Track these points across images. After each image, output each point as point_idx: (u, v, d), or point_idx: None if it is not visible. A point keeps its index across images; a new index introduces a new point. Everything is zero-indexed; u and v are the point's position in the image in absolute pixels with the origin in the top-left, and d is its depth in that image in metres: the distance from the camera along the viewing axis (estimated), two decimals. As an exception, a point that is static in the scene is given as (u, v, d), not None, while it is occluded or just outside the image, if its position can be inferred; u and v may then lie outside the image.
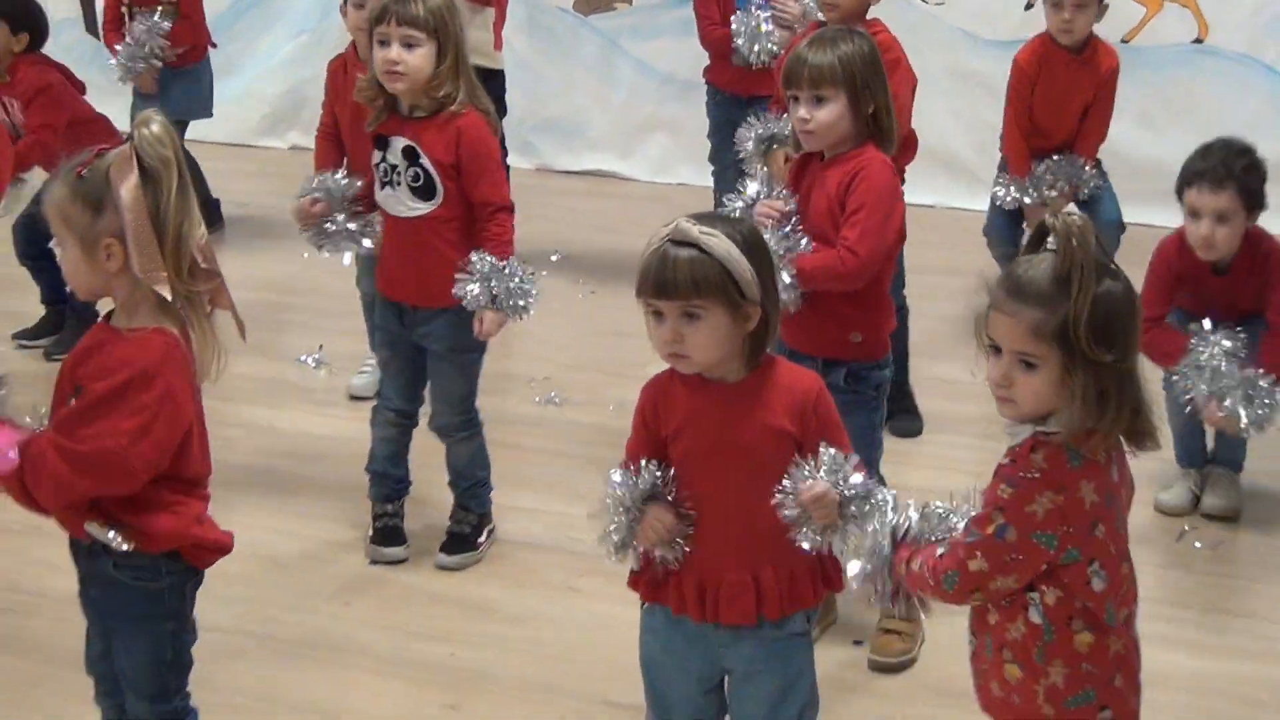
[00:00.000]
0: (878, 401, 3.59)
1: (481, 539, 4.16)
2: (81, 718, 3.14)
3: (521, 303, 3.90)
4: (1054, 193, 5.25)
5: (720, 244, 2.65)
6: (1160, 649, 3.49)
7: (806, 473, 2.64)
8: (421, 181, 3.89)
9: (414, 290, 3.96)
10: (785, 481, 2.66)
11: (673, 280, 2.64)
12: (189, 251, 2.71)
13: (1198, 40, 6.71)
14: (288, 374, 5.26)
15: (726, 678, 2.86)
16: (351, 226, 4.08)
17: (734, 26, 5.54)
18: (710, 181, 5.87)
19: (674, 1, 6.31)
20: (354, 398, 4.61)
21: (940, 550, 2.50)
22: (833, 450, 2.65)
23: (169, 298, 2.73)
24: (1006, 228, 5.38)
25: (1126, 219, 5.28)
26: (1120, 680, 2.51)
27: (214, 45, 6.73)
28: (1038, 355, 2.36)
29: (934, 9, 6.92)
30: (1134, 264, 6.16)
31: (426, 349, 4.06)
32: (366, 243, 4.05)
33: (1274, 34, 6.52)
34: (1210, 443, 4.43)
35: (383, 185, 3.94)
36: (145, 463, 2.68)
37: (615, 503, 2.77)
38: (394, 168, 3.91)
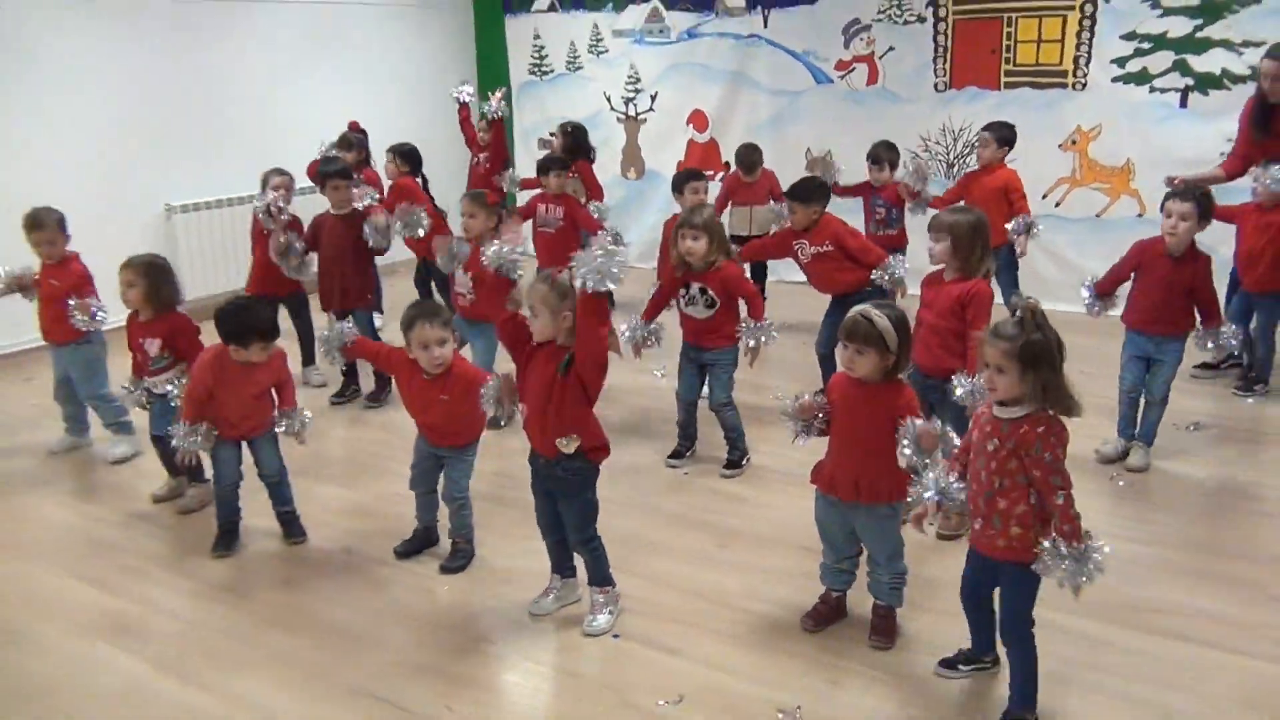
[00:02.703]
0: None
1: (742, 465, 4.27)
2: (532, 539, 3.27)
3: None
4: None
5: (882, 320, 2.73)
6: (1102, 539, 3.36)
7: (917, 426, 2.63)
8: (707, 299, 4.07)
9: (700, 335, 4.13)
10: (903, 426, 2.63)
11: (855, 332, 2.75)
12: None
13: (1140, 215, 6.51)
14: (639, 375, 5.19)
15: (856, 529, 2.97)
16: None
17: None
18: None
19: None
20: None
21: (1063, 510, 2.39)
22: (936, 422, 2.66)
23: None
24: None
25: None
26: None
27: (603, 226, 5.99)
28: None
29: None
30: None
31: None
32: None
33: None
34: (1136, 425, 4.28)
35: (687, 304, 4.10)
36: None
37: (791, 402, 2.93)
38: (693, 296, 4.10)
